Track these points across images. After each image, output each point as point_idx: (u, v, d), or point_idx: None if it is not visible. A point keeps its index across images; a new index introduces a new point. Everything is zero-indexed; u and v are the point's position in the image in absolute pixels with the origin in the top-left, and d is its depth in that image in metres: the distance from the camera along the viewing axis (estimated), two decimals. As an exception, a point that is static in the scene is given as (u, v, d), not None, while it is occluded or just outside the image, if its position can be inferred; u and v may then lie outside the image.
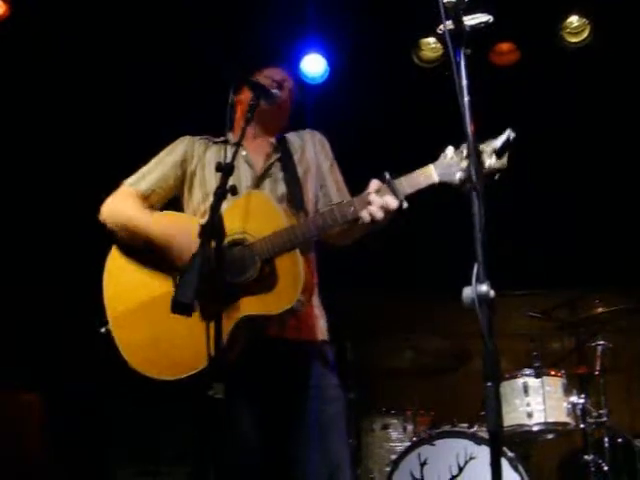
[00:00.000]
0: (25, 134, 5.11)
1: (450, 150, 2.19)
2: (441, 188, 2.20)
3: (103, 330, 2.46)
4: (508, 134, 2.03)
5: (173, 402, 2.58)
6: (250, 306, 2.28)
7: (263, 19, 4.96)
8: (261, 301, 2.28)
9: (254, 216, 2.35)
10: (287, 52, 5.08)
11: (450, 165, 2.16)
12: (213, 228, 2.05)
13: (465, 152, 2.13)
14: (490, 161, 2.04)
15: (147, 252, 2.47)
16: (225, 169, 2.16)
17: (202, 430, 2.30)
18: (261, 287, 2.29)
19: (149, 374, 2.38)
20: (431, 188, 2.21)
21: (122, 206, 2.57)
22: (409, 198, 2.22)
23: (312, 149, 2.75)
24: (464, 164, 2.12)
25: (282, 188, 2.60)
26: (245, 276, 2.30)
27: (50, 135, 5.17)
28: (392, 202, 2.21)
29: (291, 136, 2.78)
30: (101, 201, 2.66)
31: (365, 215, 2.24)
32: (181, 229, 2.39)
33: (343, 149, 5.13)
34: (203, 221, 2.11)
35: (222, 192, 2.12)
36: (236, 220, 2.34)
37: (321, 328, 2.60)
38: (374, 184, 2.26)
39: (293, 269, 2.28)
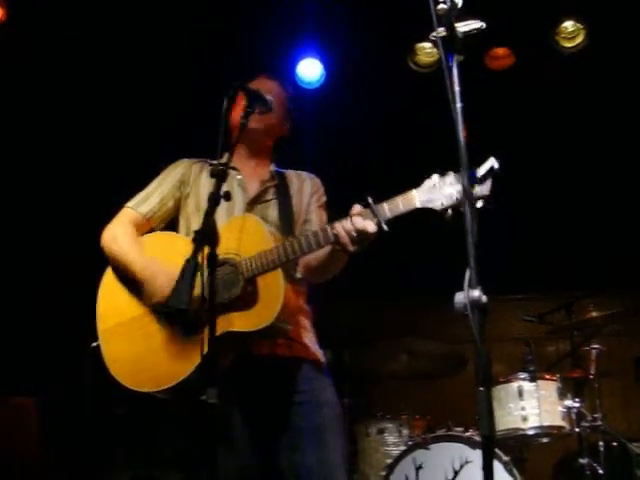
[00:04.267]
0: (23, 139, 5.12)
1: (435, 177, 2.21)
2: (424, 212, 2.21)
3: (94, 345, 2.54)
4: (491, 163, 2.04)
5: (170, 407, 2.59)
6: (231, 323, 2.34)
7: (260, 24, 4.98)
8: (241, 318, 2.34)
9: (245, 238, 2.42)
10: (282, 65, 5.11)
11: (433, 191, 2.19)
12: (206, 233, 2.07)
13: (449, 180, 2.16)
14: (472, 189, 2.06)
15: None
16: (219, 175, 2.18)
17: (197, 435, 2.31)
18: (243, 305, 2.35)
19: (131, 386, 2.45)
20: (413, 213, 2.23)
21: (116, 237, 2.61)
22: (391, 222, 2.24)
23: (309, 190, 2.80)
24: (447, 191, 2.16)
25: (273, 214, 2.66)
26: (228, 294, 2.35)
27: (49, 140, 5.18)
28: (371, 226, 2.23)
29: (291, 174, 2.83)
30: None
31: (344, 237, 2.26)
32: (162, 268, 2.45)
33: (340, 152, 5.19)
34: (197, 227, 2.14)
35: (216, 197, 2.14)
36: (228, 241, 2.39)
37: (314, 350, 2.63)
38: (356, 208, 2.28)
39: (274, 288, 2.34)
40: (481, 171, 2.03)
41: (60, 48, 4.87)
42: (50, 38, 4.84)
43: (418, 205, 2.21)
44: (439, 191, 2.18)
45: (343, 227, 2.27)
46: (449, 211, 2.14)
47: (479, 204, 1.99)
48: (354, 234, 2.25)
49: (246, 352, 2.43)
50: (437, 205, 2.17)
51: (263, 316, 2.32)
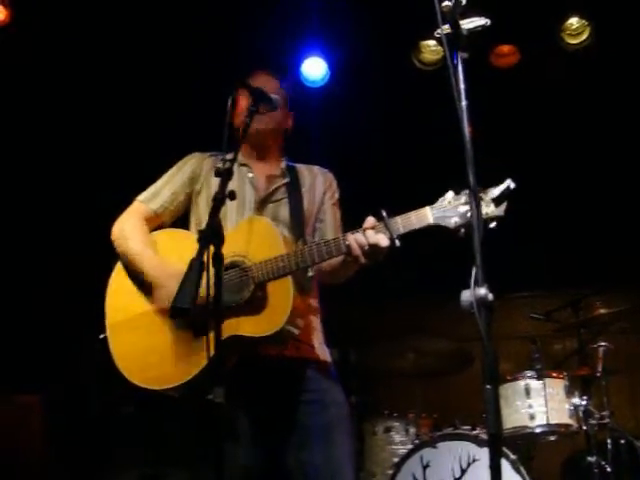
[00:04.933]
0: (24, 138, 5.13)
1: (449, 195, 2.21)
2: (436, 230, 2.21)
3: (102, 336, 2.54)
4: (508, 184, 2.03)
5: (175, 405, 2.60)
6: (238, 327, 2.33)
7: (264, 23, 4.98)
8: (249, 323, 2.34)
9: (255, 241, 2.41)
10: (283, 61, 5.10)
11: (447, 209, 2.19)
12: (211, 233, 2.06)
13: (463, 198, 2.16)
14: (487, 209, 2.06)
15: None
16: (224, 174, 2.17)
17: (204, 434, 2.32)
18: (252, 309, 2.35)
19: (137, 383, 2.45)
20: (426, 229, 2.23)
21: (126, 232, 2.61)
22: (404, 237, 2.24)
23: (321, 186, 2.78)
24: (461, 209, 2.16)
25: (284, 213, 2.65)
26: (238, 297, 2.35)
27: (50, 140, 5.19)
28: (384, 240, 2.23)
29: (303, 168, 2.82)
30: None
31: (357, 250, 2.27)
32: (171, 268, 2.45)
33: (344, 151, 5.18)
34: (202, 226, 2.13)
35: (221, 197, 2.13)
36: (237, 243, 2.39)
37: (321, 350, 2.63)
38: (369, 221, 2.29)
39: (284, 295, 2.33)
40: (497, 192, 2.03)
41: (63, 48, 4.88)
42: (53, 38, 4.84)
43: (431, 222, 2.21)
44: (453, 209, 2.18)
45: (356, 240, 2.27)
46: (462, 230, 2.14)
47: (492, 224, 1.99)
48: (367, 248, 2.26)
49: (253, 353, 2.42)
50: (450, 223, 2.17)
51: (272, 322, 2.32)
